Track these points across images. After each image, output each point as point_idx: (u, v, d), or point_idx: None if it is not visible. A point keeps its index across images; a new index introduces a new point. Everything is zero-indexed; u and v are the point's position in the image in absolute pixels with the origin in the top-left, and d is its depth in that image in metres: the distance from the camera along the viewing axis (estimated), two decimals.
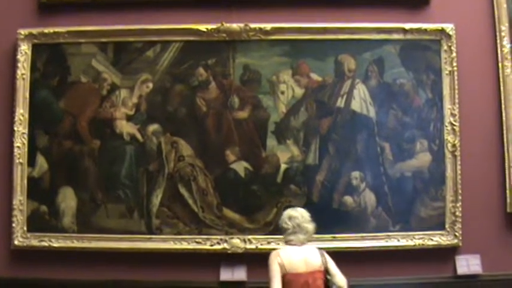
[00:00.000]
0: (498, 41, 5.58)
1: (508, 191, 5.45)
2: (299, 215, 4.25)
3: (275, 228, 5.28)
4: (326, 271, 4.15)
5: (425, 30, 5.52)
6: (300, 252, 4.16)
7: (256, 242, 5.33)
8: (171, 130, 5.48)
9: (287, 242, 4.25)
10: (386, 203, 5.42)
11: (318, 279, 4.06)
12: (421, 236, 5.39)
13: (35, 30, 5.52)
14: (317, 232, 5.24)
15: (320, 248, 4.38)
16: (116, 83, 5.53)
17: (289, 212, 4.32)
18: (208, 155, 5.46)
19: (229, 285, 5.31)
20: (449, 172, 5.43)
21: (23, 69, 5.51)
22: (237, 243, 5.34)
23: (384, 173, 5.45)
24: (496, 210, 5.50)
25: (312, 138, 5.47)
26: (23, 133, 5.48)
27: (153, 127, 5.49)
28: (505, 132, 5.50)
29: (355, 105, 5.50)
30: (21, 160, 5.46)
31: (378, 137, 5.48)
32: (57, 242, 5.41)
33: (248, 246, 5.33)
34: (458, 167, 5.43)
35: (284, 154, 5.45)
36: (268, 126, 5.47)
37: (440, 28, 5.52)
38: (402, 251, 5.37)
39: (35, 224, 5.43)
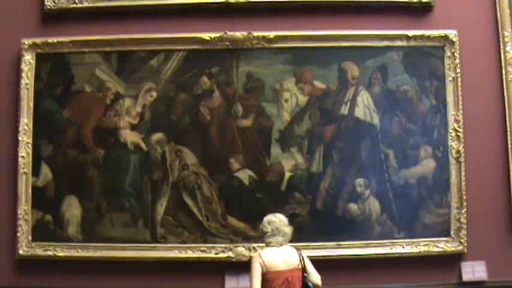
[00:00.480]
0: (501, 46, 5.59)
1: None
2: (277, 219, 4.56)
3: None
4: (303, 269, 4.42)
5: (429, 36, 5.53)
6: (279, 252, 4.44)
7: None
8: (175, 139, 5.48)
9: (267, 244, 4.53)
10: (391, 210, 5.42)
11: (296, 277, 4.35)
12: (426, 243, 5.39)
13: (38, 40, 5.54)
14: (322, 240, 5.33)
15: (297, 249, 4.59)
16: (119, 92, 5.55)
17: (268, 217, 4.60)
18: (213, 163, 5.46)
19: None
20: (453, 178, 5.43)
21: (27, 79, 5.52)
22: (242, 251, 5.34)
23: (388, 180, 5.44)
24: (501, 216, 5.49)
25: (316, 145, 5.47)
26: (27, 143, 5.48)
27: (157, 136, 5.49)
28: (509, 138, 5.50)
29: (359, 112, 5.51)
30: (25, 170, 5.46)
31: (382, 144, 5.48)
32: (61, 251, 5.41)
33: (253, 254, 5.28)
34: (463, 173, 5.43)
35: (288, 162, 5.45)
36: (272, 134, 5.48)
37: (443, 34, 5.53)
38: (407, 258, 5.37)
39: (39, 233, 5.43)
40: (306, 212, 5.40)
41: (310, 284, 4.42)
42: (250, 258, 4.57)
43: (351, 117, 5.50)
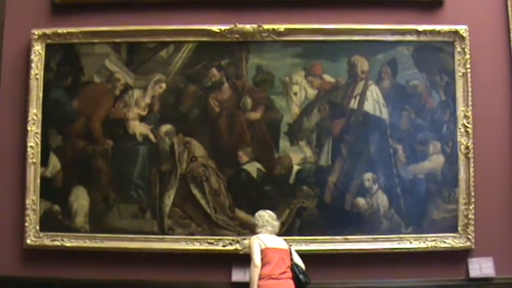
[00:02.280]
0: None
1: None
2: (266, 214, 5.04)
3: (288, 229, 5.30)
4: (290, 253, 4.93)
5: (439, 31, 5.51)
6: (271, 237, 4.94)
7: None
8: (184, 130, 5.49)
9: (258, 233, 4.94)
10: (399, 205, 5.41)
11: (286, 256, 4.87)
12: (434, 239, 5.37)
13: (48, 31, 5.55)
14: (329, 233, 5.33)
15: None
16: (129, 83, 5.55)
17: (259, 212, 5.05)
18: (221, 155, 5.46)
19: (241, 286, 5.26)
20: (462, 174, 5.42)
21: (37, 69, 5.54)
22: None
23: (396, 175, 5.43)
24: (509, 213, 5.47)
25: (324, 139, 5.47)
26: (36, 133, 5.50)
27: (166, 127, 5.50)
28: None
29: (368, 106, 5.50)
30: (34, 160, 5.48)
31: (391, 138, 5.47)
32: (69, 241, 5.43)
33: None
34: (472, 169, 5.41)
35: (297, 155, 5.45)
36: (281, 127, 5.47)
37: (453, 30, 5.51)
38: (414, 253, 5.36)
39: (47, 223, 5.45)
40: (314, 206, 5.40)
41: (298, 266, 4.87)
42: (249, 241, 4.92)
43: (360, 112, 5.49)
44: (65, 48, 5.58)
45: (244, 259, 5.25)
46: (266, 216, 5.00)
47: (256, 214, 5.05)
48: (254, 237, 4.89)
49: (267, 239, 4.86)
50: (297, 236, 5.34)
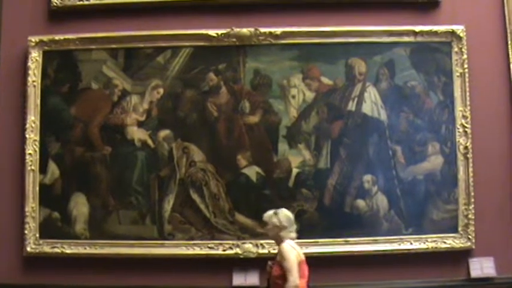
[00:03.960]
0: (509, 42, 5.56)
1: None
2: (289, 213, 4.53)
3: None
4: None
5: (436, 32, 5.51)
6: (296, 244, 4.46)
7: (268, 247, 5.28)
8: (182, 135, 5.48)
9: (288, 238, 4.44)
10: (398, 206, 5.41)
11: None
12: (434, 239, 5.37)
13: (45, 37, 5.54)
14: (329, 236, 5.33)
15: None
16: (126, 89, 5.55)
17: (284, 212, 4.50)
18: (220, 160, 5.46)
19: None
20: (461, 174, 5.41)
21: (34, 76, 5.53)
22: (250, 248, 5.33)
23: (396, 176, 5.43)
24: (509, 212, 5.46)
25: (323, 142, 5.46)
26: (35, 140, 5.49)
27: (164, 133, 5.49)
28: None
29: (366, 108, 5.49)
30: (33, 167, 5.47)
31: (390, 140, 5.47)
32: (69, 248, 5.41)
33: (260, 251, 5.32)
34: (471, 169, 5.40)
35: (296, 158, 5.44)
36: (280, 131, 5.47)
37: (450, 30, 5.51)
38: (415, 254, 5.35)
39: (47, 230, 5.44)
40: (314, 209, 5.39)
41: None
42: (282, 249, 4.34)
43: (358, 114, 5.49)
44: (62, 55, 5.57)
45: (244, 263, 5.28)
46: (291, 216, 4.48)
47: (281, 214, 4.48)
48: (289, 247, 4.33)
49: (298, 249, 4.38)
50: (297, 239, 5.30)
